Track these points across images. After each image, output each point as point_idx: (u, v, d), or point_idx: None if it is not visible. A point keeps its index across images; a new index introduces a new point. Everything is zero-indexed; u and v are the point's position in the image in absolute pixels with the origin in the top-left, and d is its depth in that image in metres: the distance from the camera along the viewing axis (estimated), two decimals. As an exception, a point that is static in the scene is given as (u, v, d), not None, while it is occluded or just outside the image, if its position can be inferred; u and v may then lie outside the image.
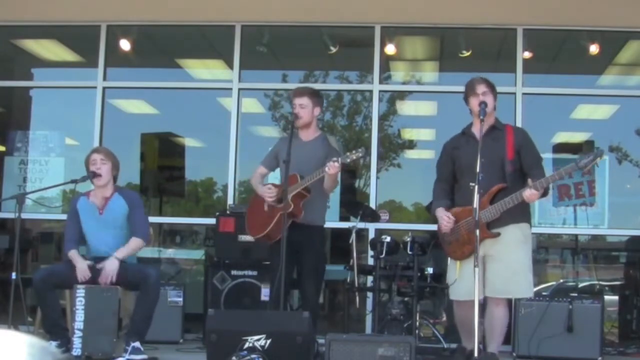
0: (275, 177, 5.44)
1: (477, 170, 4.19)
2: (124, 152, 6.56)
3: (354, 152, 4.74)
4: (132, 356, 4.77)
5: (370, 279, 6.13)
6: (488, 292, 4.50)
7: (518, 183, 4.54)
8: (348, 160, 4.74)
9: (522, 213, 4.56)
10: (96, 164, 5.05)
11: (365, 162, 5.10)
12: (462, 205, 4.61)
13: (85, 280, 4.88)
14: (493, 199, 4.48)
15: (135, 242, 5.04)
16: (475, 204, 4.16)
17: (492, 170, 4.48)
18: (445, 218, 4.62)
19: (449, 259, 4.76)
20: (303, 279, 4.98)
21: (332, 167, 4.68)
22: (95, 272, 4.93)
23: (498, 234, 4.44)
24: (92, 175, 5.03)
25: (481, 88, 4.63)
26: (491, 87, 4.68)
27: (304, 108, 5.00)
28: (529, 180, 4.41)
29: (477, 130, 4.60)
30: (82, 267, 4.90)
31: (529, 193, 4.35)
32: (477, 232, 4.16)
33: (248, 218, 5.21)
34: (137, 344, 4.80)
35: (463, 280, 4.58)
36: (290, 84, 7.30)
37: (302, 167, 4.82)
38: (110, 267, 4.87)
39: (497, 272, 4.45)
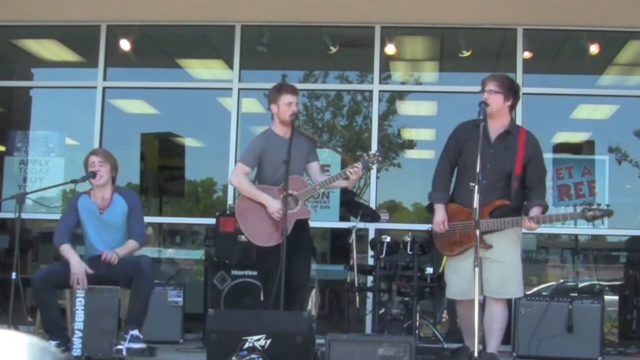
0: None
1: (477, 170, 4.17)
2: (124, 152, 6.58)
3: (372, 155, 4.70)
4: (132, 344, 4.73)
5: (370, 279, 6.13)
6: (485, 293, 4.50)
7: (520, 198, 4.56)
8: (370, 165, 4.74)
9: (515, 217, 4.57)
10: (94, 167, 5.04)
11: (381, 163, 5.02)
12: (461, 204, 4.60)
13: (78, 283, 4.82)
14: (493, 211, 4.48)
15: (132, 243, 5.04)
16: (475, 204, 4.14)
17: (495, 179, 4.47)
18: (441, 225, 4.62)
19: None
20: (298, 270, 4.83)
21: (355, 174, 4.64)
22: (92, 267, 4.92)
23: (490, 246, 4.45)
24: (92, 175, 5.03)
25: (489, 86, 4.53)
26: (504, 86, 4.54)
27: (298, 106, 4.97)
28: (533, 210, 4.43)
29: (492, 129, 4.56)
30: (78, 271, 4.83)
31: (529, 225, 4.41)
32: (477, 232, 4.15)
33: (247, 226, 4.87)
34: (135, 332, 4.77)
35: (455, 280, 4.62)
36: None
37: (291, 166, 4.69)
38: (111, 254, 4.85)
39: (493, 273, 4.45)
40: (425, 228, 5.36)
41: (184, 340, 6.01)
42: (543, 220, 4.45)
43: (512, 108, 4.65)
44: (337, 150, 6.93)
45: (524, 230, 4.67)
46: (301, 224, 4.85)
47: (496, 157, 4.48)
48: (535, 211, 4.46)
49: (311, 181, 4.96)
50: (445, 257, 4.77)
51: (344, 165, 4.78)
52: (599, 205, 4.43)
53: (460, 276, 4.54)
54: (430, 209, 4.79)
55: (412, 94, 7.99)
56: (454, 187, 4.78)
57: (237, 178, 4.96)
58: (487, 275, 4.42)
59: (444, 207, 4.67)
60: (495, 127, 4.58)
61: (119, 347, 4.73)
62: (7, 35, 7.58)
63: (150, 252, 7.62)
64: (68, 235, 5.07)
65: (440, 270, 4.75)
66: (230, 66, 7.08)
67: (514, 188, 4.51)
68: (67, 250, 4.94)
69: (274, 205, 4.74)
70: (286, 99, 4.88)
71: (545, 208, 4.54)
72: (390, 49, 7.06)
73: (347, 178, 4.71)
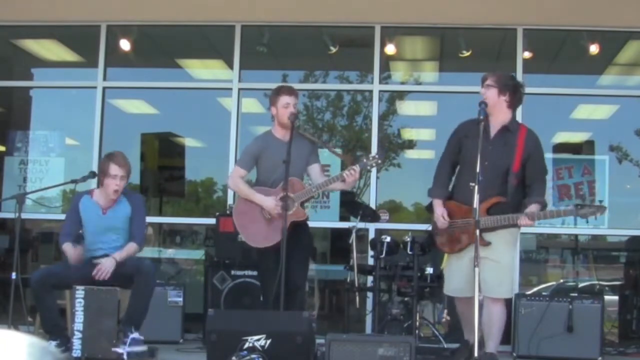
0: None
1: (477, 170, 4.18)
2: (124, 152, 6.54)
3: (371, 158, 4.67)
4: (133, 348, 4.72)
5: (370, 279, 6.13)
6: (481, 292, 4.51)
7: (518, 196, 4.57)
8: (368, 167, 4.72)
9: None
10: (116, 180, 4.95)
11: (380, 165, 4.98)
12: (460, 201, 4.62)
13: (76, 261, 4.83)
14: (490, 208, 4.49)
15: (132, 246, 5.01)
16: (475, 204, 4.15)
17: (493, 175, 4.47)
18: (441, 219, 4.64)
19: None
20: (295, 270, 4.79)
21: (352, 176, 4.60)
22: (91, 267, 4.91)
23: (489, 243, 4.46)
24: (92, 175, 5.00)
25: (487, 81, 4.57)
26: (500, 82, 4.55)
27: (296, 107, 4.97)
28: (530, 207, 4.43)
29: (492, 126, 4.57)
30: (75, 253, 4.84)
31: (524, 222, 4.41)
32: (477, 232, 4.16)
33: (244, 228, 4.89)
34: (136, 335, 4.77)
35: (452, 277, 4.66)
36: (290, 84, 7.29)
37: (290, 167, 4.65)
38: (107, 264, 4.84)
39: (488, 273, 4.46)
40: (425, 228, 5.37)
41: (184, 340, 6.01)
42: (538, 217, 4.45)
43: (511, 105, 4.61)
44: (336, 153, 6.92)
45: (522, 230, 4.68)
46: (298, 225, 4.84)
47: (495, 153, 4.49)
48: (531, 208, 4.46)
49: (311, 183, 4.95)
50: (446, 255, 4.79)
51: (344, 166, 4.76)
52: (592, 201, 4.46)
53: (458, 273, 4.58)
54: (429, 209, 4.81)
55: (412, 94, 7.99)
56: (454, 184, 4.81)
57: (232, 181, 4.99)
58: (483, 275, 4.42)
59: (442, 203, 4.70)
60: (495, 124, 4.60)
61: (119, 350, 4.73)
62: (7, 35, 7.58)
63: (150, 252, 7.64)
64: (70, 237, 5.05)
65: (442, 267, 4.76)
66: (230, 66, 7.08)
67: (512, 185, 4.51)
68: (66, 248, 4.92)
69: (269, 202, 4.74)
70: (284, 100, 4.87)
71: (543, 205, 4.54)
72: (390, 49, 7.06)
73: (343, 180, 4.68)
